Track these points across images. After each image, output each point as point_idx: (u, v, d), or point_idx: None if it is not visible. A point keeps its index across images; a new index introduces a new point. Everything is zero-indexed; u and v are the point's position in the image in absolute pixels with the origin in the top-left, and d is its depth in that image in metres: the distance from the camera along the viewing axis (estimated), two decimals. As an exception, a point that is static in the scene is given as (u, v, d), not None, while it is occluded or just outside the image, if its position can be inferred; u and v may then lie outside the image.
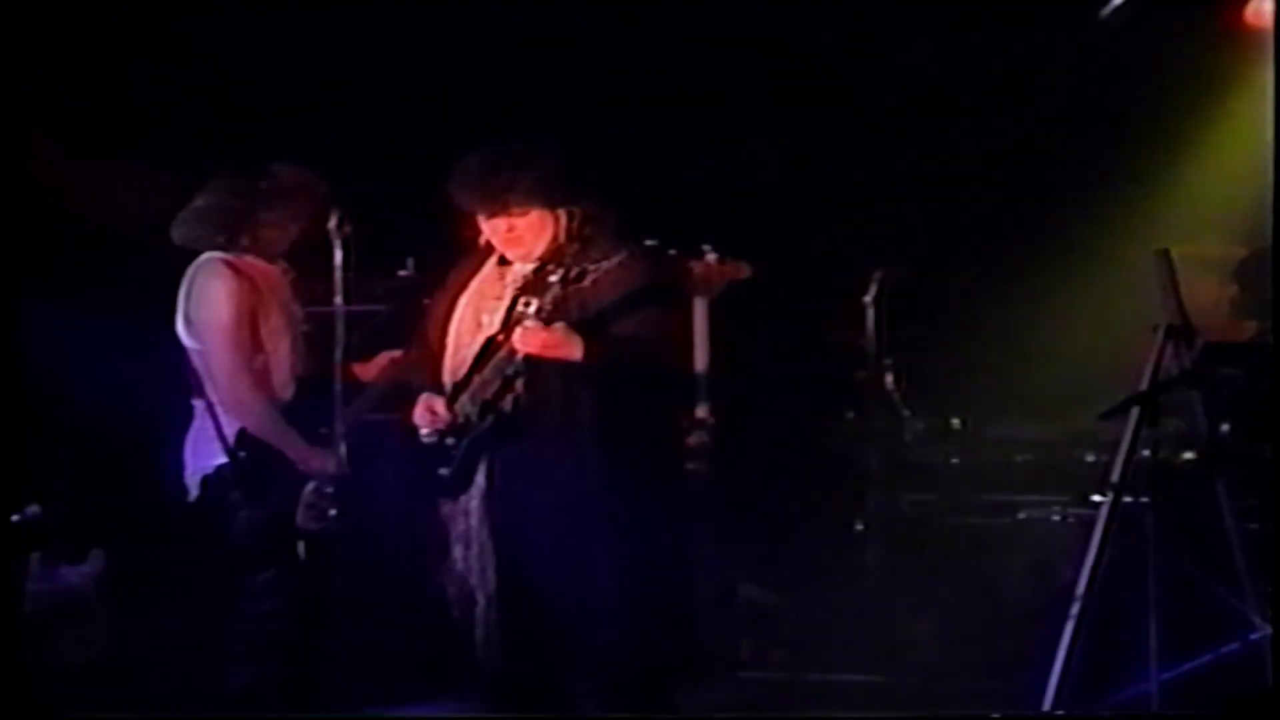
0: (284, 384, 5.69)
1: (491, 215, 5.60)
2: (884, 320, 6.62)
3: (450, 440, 5.58)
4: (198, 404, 5.68)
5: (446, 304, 5.76)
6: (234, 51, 6.75)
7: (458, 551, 5.60)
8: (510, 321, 5.51)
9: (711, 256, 6.02)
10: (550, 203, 5.58)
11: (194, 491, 5.71)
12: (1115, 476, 5.41)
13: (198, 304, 5.65)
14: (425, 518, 5.65)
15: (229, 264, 5.65)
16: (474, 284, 5.75)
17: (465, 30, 6.80)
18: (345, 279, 5.48)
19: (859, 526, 6.57)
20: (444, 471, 5.56)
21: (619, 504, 5.45)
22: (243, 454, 5.56)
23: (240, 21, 6.69)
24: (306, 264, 5.67)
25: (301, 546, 5.55)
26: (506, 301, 5.61)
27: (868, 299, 6.65)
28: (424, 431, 5.58)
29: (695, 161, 7.02)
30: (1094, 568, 5.37)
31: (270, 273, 5.70)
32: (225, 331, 5.60)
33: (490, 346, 5.58)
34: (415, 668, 5.84)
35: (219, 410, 5.58)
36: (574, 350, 5.43)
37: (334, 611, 5.58)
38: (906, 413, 6.69)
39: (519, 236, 5.59)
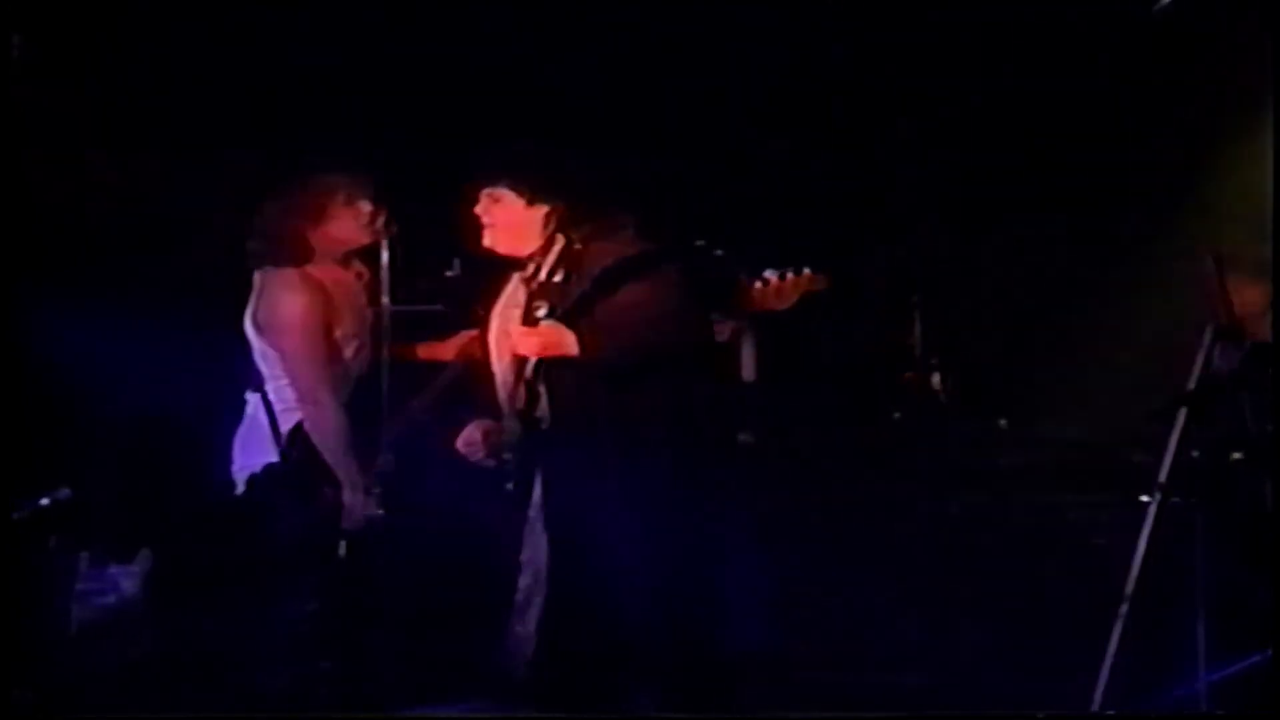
0: (351, 385, 5.75)
1: (474, 205, 5.68)
2: (929, 320, 6.66)
3: (506, 455, 5.62)
4: (251, 399, 5.74)
5: (483, 322, 5.82)
6: (276, 54, 6.76)
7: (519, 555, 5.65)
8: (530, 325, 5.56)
9: (771, 274, 5.97)
10: (523, 195, 5.63)
11: (241, 489, 5.76)
12: (1163, 477, 5.41)
13: (270, 312, 5.72)
14: (478, 522, 5.69)
15: (302, 273, 5.72)
16: (503, 298, 5.79)
17: (504, 27, 6.79)
18: (393, 279, 5.56)
19: (906, 526, 6.57)
20: (510, 486, 5.59)
21: (654, 497, 5.49)
22: (294, 453, 5.61)
23: (282, 22, 6.71)
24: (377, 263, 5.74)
25: (345, 547, 5.60)
26: (523, 309, 5.66)
27: (914, 299, 6.70)
28: (475, 457, 5.62)
29: (731, 160, 6.99)
30: (1142, 568, 5.37)
31: (342, 278, 5.78)
32: (300, 341, 5.67)
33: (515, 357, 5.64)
34: (461, 669, 5.83)
35: (277, 408, 5.64)
36: (569, 344, 5.44)
37: (379, 612, 5.62)
38: (953, 413, 6.72)
39: (494, 224, 5.66)
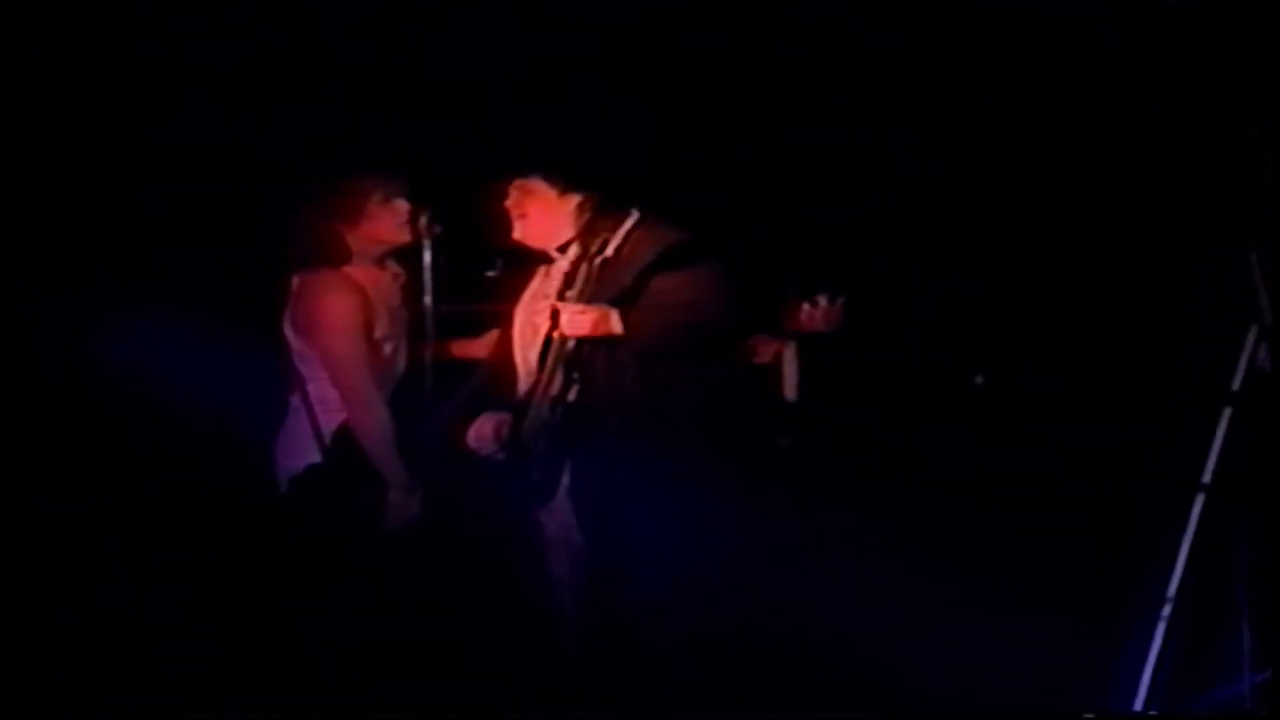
0: (390, 386, 5.71)
1: (504, 198, 5.73)
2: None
3: (533, 444, 5.58)
4: (293, 400, 5.70)
5: (506, 317, 5.77)
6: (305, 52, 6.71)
7: (546, 552, 5.62)
8: (557, 315, 5.48)
9: (823, 298, 5.94)
10: (555, 185, 5.69)
11: (282, 490, 5.71)
12: (1207, 477, 5.40)
13: (310, 313, 5.68)
14: (510, 521, 5.66)
15: (340, 274, 5.68)
16: (526, 294, 5.76)
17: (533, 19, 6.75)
18: (435, 278, 5.53)
19: (942, 523, 6.54)
20: (536, 475, 5.57)
21: (687, 485, 5.47)
22: (338, 454, 5.57)
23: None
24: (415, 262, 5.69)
25: (386, 549, 5.57)
26: (554, 299, 5.62)
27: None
28: (484, 451, 5.60)
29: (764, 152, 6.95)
30: (1186, 568, 5.36)
31: (380, 278, 5.74)
32: (341, 342, 5.65)
33: (549, 345, 5.58)
34: (497, 671, 5.81)
35: (318, 409, 5.59)
36: (616, 325, 5.43)
37: (416, 615, 5.59)
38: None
39: (525, 215, 5.71)
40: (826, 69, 6.83)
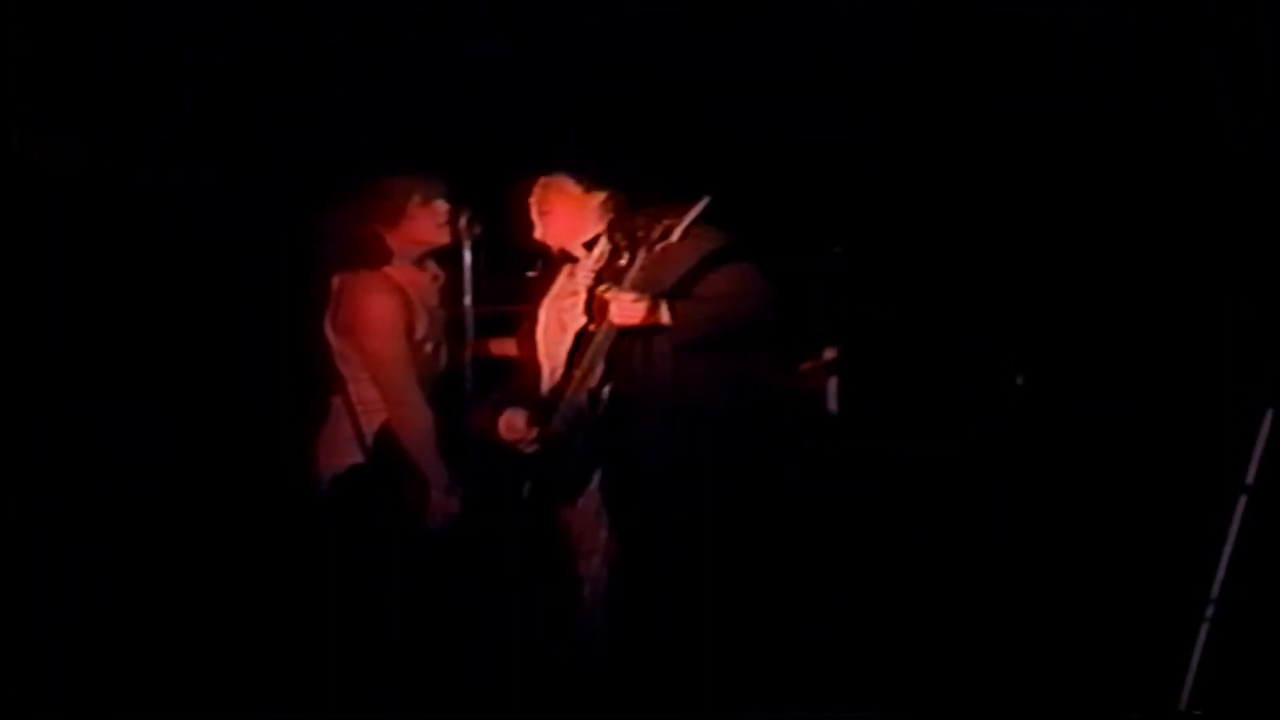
0: (431, 386, 5.67)
1: (528, 196, 5.72)
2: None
3: (571, 438, 5.56)
4: (335, 401, 5.65)
5: (530, 317, 5.76)
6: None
7: (578, 552, 5.60)
8: (595, 307, 5.49)
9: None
10: (580, 182, 5.69)
11: (324, 490, 5.65)
12: (1250, 478, 5.39)
13: (351, 314, 5.63)
14: (539, 516, 5.62)
15: (381, 274, 5.63)
16: (551, 293, 5.74)
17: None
18: (475, 279, 5.48)
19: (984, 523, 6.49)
20: (568, 468, 5.53)
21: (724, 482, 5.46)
22: (380, 455, 5.52)
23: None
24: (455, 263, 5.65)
25: (427, 550, 5.53)
26: (583, 296, 5.59)
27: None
28: (520, 448, 5.57)
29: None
30: (1229, 568, 5.35)
31: (419, 279, 5.70)
32: (383, 342, 5.59)
33: (584, 338, 5.54)
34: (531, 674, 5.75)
35: (359, 410, 5.55)
36: (664, 314, 5.41)
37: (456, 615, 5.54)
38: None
39: (550, 212, 5.71)
40: (827, 69, 6.83)
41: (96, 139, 6.44)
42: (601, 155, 5.77)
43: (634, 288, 5.40)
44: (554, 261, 5.87)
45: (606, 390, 5.54)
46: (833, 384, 6.17)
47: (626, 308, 5.43)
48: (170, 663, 5.86)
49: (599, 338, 5.52)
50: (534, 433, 5.65)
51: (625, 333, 5.48)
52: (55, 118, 6.29)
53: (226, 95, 6.67)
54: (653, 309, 5.45)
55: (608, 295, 5.46)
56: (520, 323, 5.92)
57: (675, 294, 5.51)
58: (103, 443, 6.11)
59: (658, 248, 5.40)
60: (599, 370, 5.53)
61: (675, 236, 5.40)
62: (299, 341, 5.73)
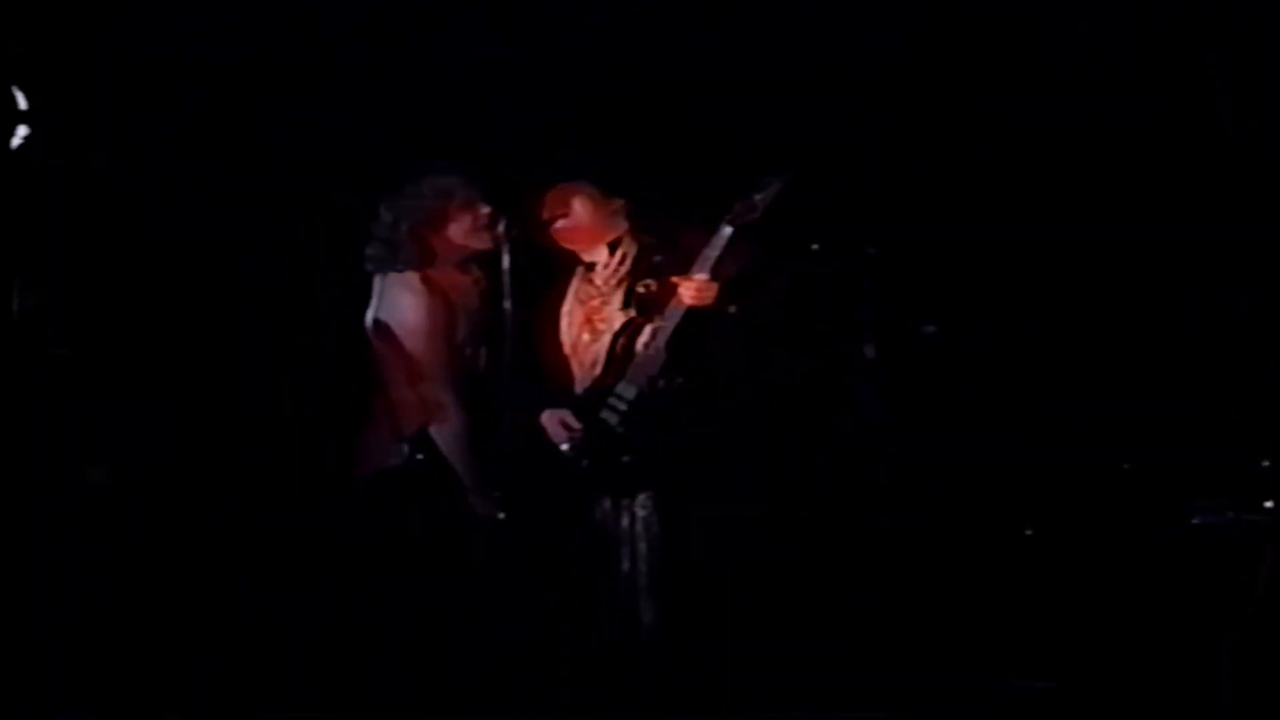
0: (470, 389, 5.67)
1: (549, 202, 5.80)
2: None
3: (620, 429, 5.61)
4: (375, 404, 5.65)
5: (549, 321, 5.78)
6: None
7: (622, 549, 5.60)
8: (647, 298, 5.59)
9: None
10: (599, 190, 5.79)
11: (363, 493, 5.65)
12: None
13: (391, 314, 5.64)
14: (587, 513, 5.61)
15: (423, 276, 5.64)
16: (569, 295, 5.74)
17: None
18: (514, 283, 5.49)
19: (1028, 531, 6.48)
20: (626, 460, 5.54)
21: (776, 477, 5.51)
22: (419, 457, 5.52)
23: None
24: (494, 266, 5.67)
25: (466, 549, 5.53)
26: (614, 296, 5.64)
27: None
28: (564, 447, 5.57)
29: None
30: (1268, 576, 5.32)
31: (461, 282, 5.72)
32: (423, 343, 5.61)
33: (628, 328, 5.65)
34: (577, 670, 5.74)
35: (399, 411, 5.54)
36: (732, 306, 5.44)
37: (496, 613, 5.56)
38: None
39: (571, 218, 5.79)
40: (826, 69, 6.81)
41: (97, 139, 6.43)
42: (608, 158, 5.79)
43: (709, 270, 5.46)
44: (567, 266, 5.90)
45: (666, 380, 5.59)
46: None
47: (704, 289, 5.47)
48: (182, 663, 5.84)
49: (661, 324, 5.57)
50: (582, 429, 5.67)
51: (689, 320, 5.51)
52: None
53: (226, 95, 6.66)
54: (724, 296, 5.51)
55: (683, 279, 5.49)
56: (538, 327, 5.93)
57: (740, 284, 5.56)
58: (102, 443, 6.09)
59: (741, 221, 5.46)
60: (660, 359, 5.58)
61: (758, 215, 5.47)
62: (323, 343, 5.74)
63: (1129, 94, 6.78)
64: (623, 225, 5.82)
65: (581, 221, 5.82)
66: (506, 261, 5.62)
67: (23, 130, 5.95)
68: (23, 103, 5.97)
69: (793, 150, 6.40)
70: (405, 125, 6.63)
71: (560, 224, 5.82)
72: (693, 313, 5.58)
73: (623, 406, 5.63)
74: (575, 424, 5.69)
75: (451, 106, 6.64)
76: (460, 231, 5.80)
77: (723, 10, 6.56)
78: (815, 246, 5.98)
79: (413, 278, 5.75)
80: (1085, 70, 6.82)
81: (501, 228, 5.67)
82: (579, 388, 5.79)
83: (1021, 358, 6.69)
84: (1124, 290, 6.75)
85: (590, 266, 5.88)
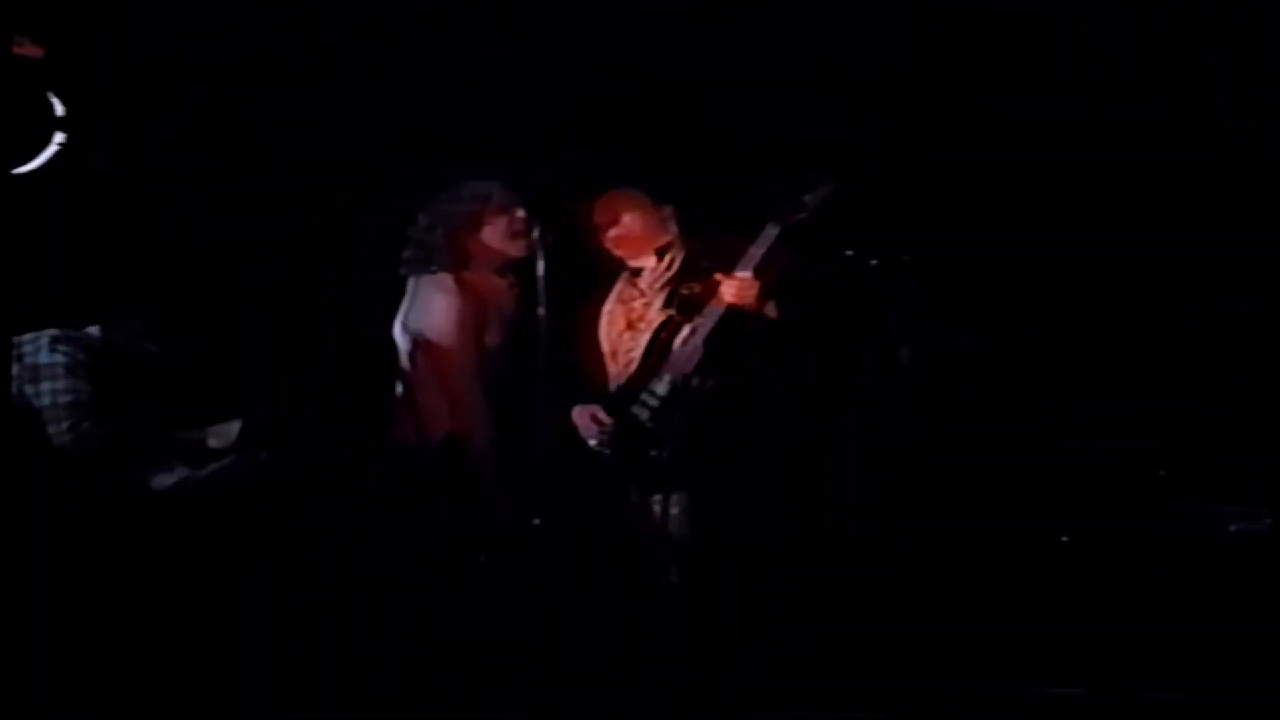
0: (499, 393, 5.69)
1: (599, 208, 5.85)
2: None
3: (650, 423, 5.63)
4: (400, 407, 5.65)
5: (588, 321, 5.87)
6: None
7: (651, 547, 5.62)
8: (679, 303, 5.68)
9: None
10: (648, 196, 5.86)
11: (387, 496, 5.70)
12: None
13: (423, 315, 5.66)
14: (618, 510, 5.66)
15: (456, 278, 5.65)
16: (612, 297, 5.85)
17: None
18: (549, 288, 5.49)
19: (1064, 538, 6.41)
20: (656, 453, 5.55)
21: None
22: (445, 462, 5.53)
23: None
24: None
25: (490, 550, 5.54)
26: (658, 298, 5.75)
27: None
28: (592, 442, 5.59)
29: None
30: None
31: (496, 286, 5.73)
32: (453, 345, 5.61)
33: (667, 326, 5.70)
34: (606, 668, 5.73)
35: (427, 414, 5.55)
36: (771, 306, 5.45)
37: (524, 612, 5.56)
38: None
39: (621, 224, 5.84)
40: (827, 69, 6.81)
41: (96, 139, 6.43)
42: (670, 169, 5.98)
43: (752, 268, 5.49)
44: (610, 271, 5.97)
45: (700, 378, 5.61)
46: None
47: (746, 286, 5.49)
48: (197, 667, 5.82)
49: (700, 321, 5.60)
50: (613, 424, 5.68)
51: (728, 319, 5.49)
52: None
53: (226, 95, 6.66)
54: (764, 295, 5.51)
55: (724, 276, 5.52)
56: (577, 329, 5.97)
57: (781, 285, 5.62)
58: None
59: (791, 220, 5.48)
60: (695, 357, 5.60)
61: (806, 215, 5.50)
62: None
63: (1129, 94, 6.79)
64: (672, 231, 5.89)
65: (632, 230, 5.89)
66: (542, 267, 5.61)
67: (59, 136, 5.96)
68: (60, 109, 5.97)
69: (801, 150, 6.46)
70: (405, 125, 6.66)
71: (610, 232, 5.89)
72: (732, 311, 5.61)
73: (654, 402, 5.67)
74: (605, 419, 5.71)
75: (451, 106, 6.65)
76: (495, 236, 5.82)
77: (722, 10, 6.55)
78: (849, 252, 5.92)
79: (446, 279, 5.78)
80: (1085, 70, 6.82)
81: (537, 233, 5.68)
82: (613, 386, 5.81)
83: (1047, 360, 6.67)
84: (1136, 289, 6.76)
85: (637, 272, 5.95)
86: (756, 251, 5.58)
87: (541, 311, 5.59)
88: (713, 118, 6.77)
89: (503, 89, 6.68)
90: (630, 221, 5.88)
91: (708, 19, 6.61)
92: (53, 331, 5.82)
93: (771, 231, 5.60)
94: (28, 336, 5.83)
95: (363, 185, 6.52)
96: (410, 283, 5.85)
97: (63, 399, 5.72)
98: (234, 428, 5.78)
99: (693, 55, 6.67)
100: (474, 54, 6.66)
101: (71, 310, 6.02)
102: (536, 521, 5.56)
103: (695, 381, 5.66)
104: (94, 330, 5.92)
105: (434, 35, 6.64)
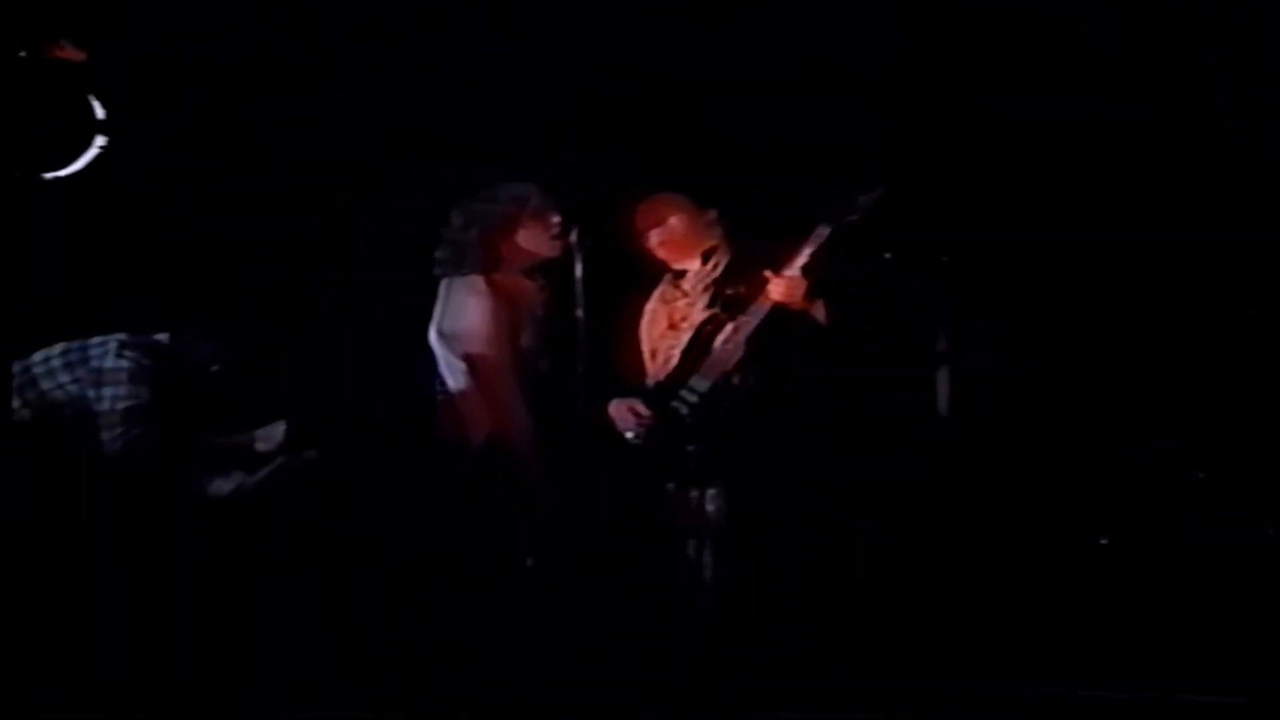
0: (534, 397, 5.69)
1: (644, 212, 5.90)
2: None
3: (690, 420, 5.68)
4: (440, 409, 5.66)
5: (628, 321, 5.95)
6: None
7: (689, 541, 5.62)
8: (723, 302, 5.73)
9: None
10: (692, 201, 5.91)
11: (428, 499, 5.72)
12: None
13: (456, 318, 5.66)
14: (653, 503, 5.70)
15: (488, 279, 5.66)
16: (654, 297, 5.93)
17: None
18: (586, 290, 5.51)
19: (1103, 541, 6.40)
20: (694, 448, 5.55)
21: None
22: (485, 464, 5.54)
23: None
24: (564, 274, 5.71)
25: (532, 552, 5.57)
26: (701, 298, 5.82)
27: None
28: (630, 434, 5.60)
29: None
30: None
31: (527, 288, 5.74)
32: (487, 347, 5.63)
33: (709, 323, 5.75)
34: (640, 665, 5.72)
35: (467, 417, 5.56)
36: (819, 308, 5.43)
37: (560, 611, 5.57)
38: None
39: (666, 228, 5.89)
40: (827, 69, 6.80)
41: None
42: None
43: (800, 268, 5.50)
44: (652, 274, 6.01)
45: (741, 376, 5.63)
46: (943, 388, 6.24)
47: (794, 285, 5.49)
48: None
49: (745, 319, 5.65)
50: (651, 417, 5.68)
51: (772, 318, 5.55)
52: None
53: (226, 95, 6.65)
54: (811, 295, 5.51)
55: (770, 274, 5.56)
56: (616, 329, 6.00)
57: (828, 286, 5.66)
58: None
59: (843, 223, 5.51)
60: (737, 354, 5.61)
61: (857, 217, 5.51)
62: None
63: (1129, 94, 6.79)
64: (717, 235, 5.93)
65: (676, 233, 5.93)
66: (579, 270, 5.62)
67: (100, 140, 5.96)
68: (100, 112, 5.97)
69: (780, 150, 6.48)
70: (405, 125, 6.66)
71: (655, 235, 5.93)
72: (777, 311, 5.63)
73: (694, 398, 5.70)
74: (645, 411, 5.73)
75: (452, 106, 6.65)
76: (530, 239, 5.84)
77: (713, 9, 6.56)
78: (888, 255, 5.93)
79: (478, 281, 5.78)
80: (1085, 70, 6.82)
81: (574, 237, 5.68)
82: (651, 384, 5.88)
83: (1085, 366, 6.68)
84: (1134, 290, 6.77)
85: (680, 274, 6.00)
86: (806, 251, 5.60)
87: (580, 313, 5.60)
88: (748, 120, 6.78)
89: (511, 89, 6.68)
90: (675, 225, 5.92)
91: (724, 21, 6.62)
92: (121, 336, 5.86)
93: (823, 232, 5.62)
94: (96, 340, 5.87)
95: (386, 186, 6.50)
96: (442, 285, 5.85)
97: (120, 404, 5.75)
98: (279, 429, 5.82)
99: (721, 57, 6.69)
100: (476, 54, 6.66)
101: (143, 315, 6.06)
102: (574, 519, 5.58)
103: (736, 379, 5.68)
104: (162, 337, 5.95)
105: (434, 35, 6.64)
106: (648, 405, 5.78)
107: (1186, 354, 6.61)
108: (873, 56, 6.72)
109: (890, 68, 6.78)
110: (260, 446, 5.80)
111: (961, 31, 6.77)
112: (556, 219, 5.80)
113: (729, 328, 5.73)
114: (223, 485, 5.72)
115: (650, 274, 6.04)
